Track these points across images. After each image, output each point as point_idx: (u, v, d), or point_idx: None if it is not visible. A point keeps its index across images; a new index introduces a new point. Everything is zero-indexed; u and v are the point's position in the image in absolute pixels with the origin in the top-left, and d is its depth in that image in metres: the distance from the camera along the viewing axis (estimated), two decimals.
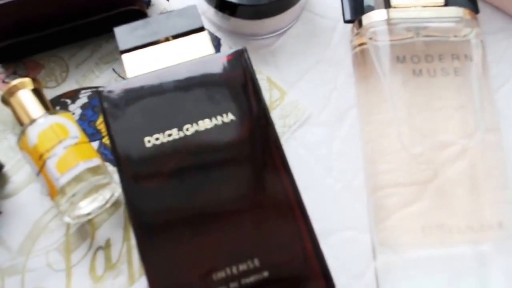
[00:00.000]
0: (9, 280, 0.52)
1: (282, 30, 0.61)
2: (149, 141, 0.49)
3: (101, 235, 0.54)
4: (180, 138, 0.49)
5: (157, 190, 0.48)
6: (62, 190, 0.49)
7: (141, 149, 0.49)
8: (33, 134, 0.51)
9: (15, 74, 0.59)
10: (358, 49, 0.57)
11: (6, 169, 0.55)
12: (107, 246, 0.53)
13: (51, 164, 0.49)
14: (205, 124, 0.50)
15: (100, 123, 0.57)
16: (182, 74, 0.52)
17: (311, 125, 0.58)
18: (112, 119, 0.50)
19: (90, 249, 0.53)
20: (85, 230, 0.53)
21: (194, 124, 0.50)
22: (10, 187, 0.55)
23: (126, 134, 0.49)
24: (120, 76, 0.59)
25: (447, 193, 0.51)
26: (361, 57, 0.56)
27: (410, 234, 0.50)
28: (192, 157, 0.49)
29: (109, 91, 0.51)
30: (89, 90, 0.58)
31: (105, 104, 0.51)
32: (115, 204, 0.54)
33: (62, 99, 0.58)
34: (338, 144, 0.57)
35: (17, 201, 0.54)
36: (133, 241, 0.53)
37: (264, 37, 0.61)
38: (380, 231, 0.52)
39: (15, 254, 0.53)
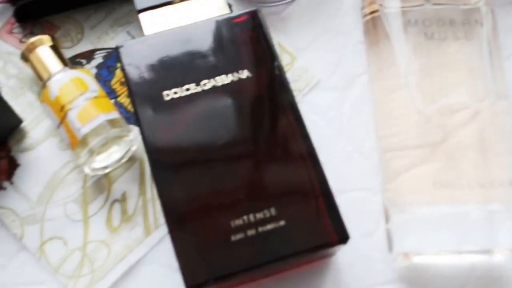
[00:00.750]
0: (29, 228, 0.53)
1: None
2: (167, 95, 0.51)
3: (117, 189, 0.55)
4: (198, 93, 0.51)
5: (175, 141, 0.49)
6: (83, 140, 0.50)
7: (160, 102, 0.50)
8: (54, 86, 0.52)
9: (32, 34, 0.60)
10: (369, 16, 0.58)
11: (24, 124, 0.56)
12: (123, 199, 0.54)
13: (73, 115, 0.51)
14: (222, 79, 0.51)
15: (115, 83, 0.58)
16: (199, 32, 0.53)
17: (321, 89, 0.60)
18: (131, 74, 0.52)
19: (106, 202, 0.54)
20: (101, 183, 0.55)
21: (212, 80, 0.51)
22: (28, 141, 0.56)
23: (145, 88, 0.51)
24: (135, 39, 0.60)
25: (456, 155, 0.52)
26: (372, 24, 0.58)
27: (421, 191, 0.52)
28: (210, 111, 0.50)
29: (128, 47, 0.53)
30: (104, 51, 0.59)
31: (124, 60, 0.52)
32: (131, 159, 0.55)
33: (78, 59, 0.59)
34: (348, 109, 0.59)
35: (35, 155, 0.56)
36: (148, 195, 0.54)
37: (275, 4, 0.62)
38: (391, 191, 0.53)
39: (34, 204, 0.54)
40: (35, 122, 0.57)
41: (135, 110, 0.50)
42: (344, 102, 0.59)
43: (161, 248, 0.54)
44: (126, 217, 0.54)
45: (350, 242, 0.52)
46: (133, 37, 0.60)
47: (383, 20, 0.57)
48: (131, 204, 0.54)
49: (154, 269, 0.53)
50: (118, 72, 0.58)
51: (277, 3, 0.62)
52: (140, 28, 0.59)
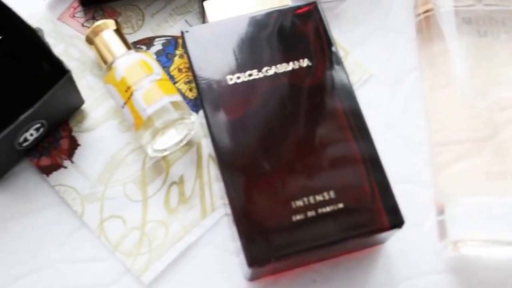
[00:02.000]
0: (89, 206, 0.55)
1: None
2: (231, 79, 0.52)
3: (175, 171, 0.56)
4: (260, 78, 0.52)
5: (238, 124, 0.51)
6: (148, 121, 0.52)
7: (224, 86, 0.52)
8: (120, 68, 0.53)
9: (94, 19, 0.61)
10: (423, 15, 0.60)
11: (85, 106, 0.58)
12: (180, 182, 0.56)
13: (139, 96, 0.52)
14: (283, 67, 0.53)
15: (173, 69, 0.59)
16: (262, 21, 0.55)
17: (373, 84, 0.61)
18: (195, 57, 0.53)
19: (164, 183, 0.56)
20: (160, 165, 0.56)
21: (273, 67, 0.53)
22: (88, 122, 0.57)
23: (209, 72, 0.53)
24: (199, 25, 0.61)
25: (507, 149, 0.53)
26: (426, 22, 0.59)
27: (474, 183, 0.53)
28: (271, 96, 0.52)
29: (193, 33, 0.54)
30: (163, 38, 0.61)
31: (189, 44, 0.54)
32: (189, 143, 0.56)
33: (138, 45, 0.60)
34: (399, 103, 0.60)
35: (95, 136, 0.57)
36: (205, 178, 0.56)
37: (329, 0, 0.63)
38: (443, 183, 0.54)
39: (94, 183, 0.55)
40: (95, 104, 0.58)
41: (199, 92, 0.52)
42: (395, 97, 0.60)
43: (217, 230, 0.55)
44: (183, 199, 0.55)
45: (400, 232, 0.53)
46: (191, 26, 0.61)
47: (438, 19, 0.58)
48: (188, 186, 0.55)
49: (210, 250, 0.54)
50: (177, 59, 0.59)
51: (332, 0, 0.63)
52: (197, 17, 0.60)
